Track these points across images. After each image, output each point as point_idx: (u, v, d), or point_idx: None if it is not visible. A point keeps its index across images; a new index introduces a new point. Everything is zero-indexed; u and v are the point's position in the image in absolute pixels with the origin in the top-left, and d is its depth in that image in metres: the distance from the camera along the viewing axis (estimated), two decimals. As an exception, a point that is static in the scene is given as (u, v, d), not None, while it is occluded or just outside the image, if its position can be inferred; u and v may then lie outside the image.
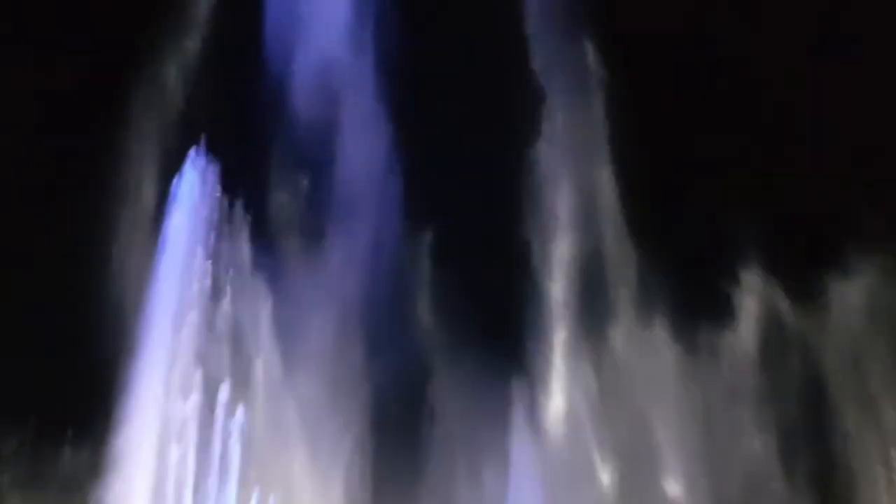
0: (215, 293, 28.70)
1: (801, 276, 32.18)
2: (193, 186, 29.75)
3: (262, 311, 30.13)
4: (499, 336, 31.36)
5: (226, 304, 28.77)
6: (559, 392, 31.82)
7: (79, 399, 27.81)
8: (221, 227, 29.77)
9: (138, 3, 33.81)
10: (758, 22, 35.70)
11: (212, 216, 29.49)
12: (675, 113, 34.67)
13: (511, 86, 35.04)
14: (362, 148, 34.36)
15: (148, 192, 31.41)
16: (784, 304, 32.42)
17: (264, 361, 29.31)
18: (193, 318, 28.09)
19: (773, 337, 32.24)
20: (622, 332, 32.34)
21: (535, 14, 35.51)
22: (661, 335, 32.03)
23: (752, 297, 32.78)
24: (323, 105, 34.23)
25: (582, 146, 34.75)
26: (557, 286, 32.72)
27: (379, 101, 34.89)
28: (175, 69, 33.52)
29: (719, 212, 32.88)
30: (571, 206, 33.64)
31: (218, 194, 29.89)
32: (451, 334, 31.51)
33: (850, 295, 32.20)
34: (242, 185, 31.05)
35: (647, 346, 31.98)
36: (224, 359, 28.20)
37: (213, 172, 30.10)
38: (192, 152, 30.16)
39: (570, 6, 34.88)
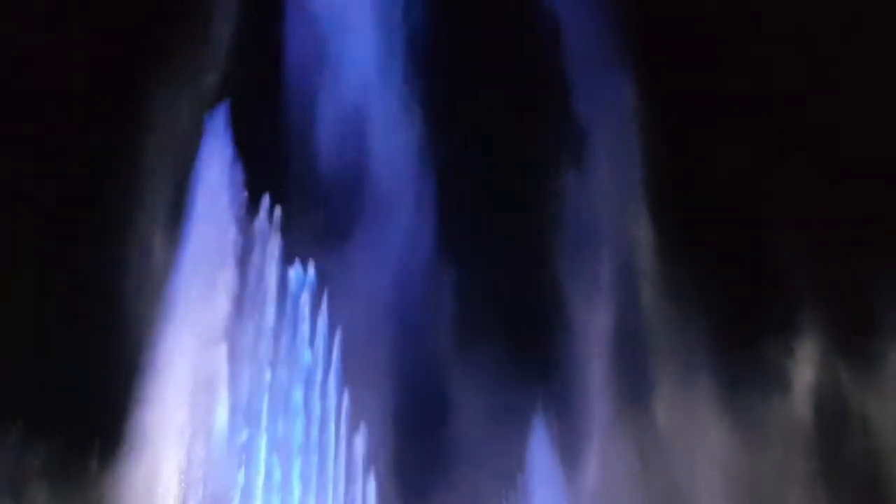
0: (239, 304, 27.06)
1: (860, 342, 29.97)
2: (216, 165, 28.19)
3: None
4: (529, 409, 29.77)
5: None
6: (597, 468, 29.66)
7: (104, 411, 26.92)
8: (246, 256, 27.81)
9: (154, 38, 32.64)
10: (805, 57, 33.57)
11: (240, 212, 27.77)
12: (718, 157, 32.91)
13: (548, 125, 33.71)
14: (392, 184, 33.36)
15: (162, 236, 29.36)
16: (842, 375, 30.32)
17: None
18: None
19: (830, 411, 30.10)
20: (664, 405, 30.33)
21: (573, 51, 34.23)
22: (706, 408, 29.86)
23: (806, 366, 30.68)
24: (350, 139, 33.29)
25: (619, 195, 33.09)
26: (595, 355, 30.58)
27: (408, 133, 33.89)
28: (190, 107, 31.73)
29: (769, 269, 30.95)
30: (609, 266, 31.75)
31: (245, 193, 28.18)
32: (477, 399, 29.92)
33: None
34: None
35: (690, 420, 29.87)
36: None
37: (239, 171, 28.34)
38: (213, 124, 28.62)
39: (610, 43, 33.40)
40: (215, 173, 28.06)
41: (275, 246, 27.40)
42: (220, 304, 26.38)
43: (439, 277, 32.01)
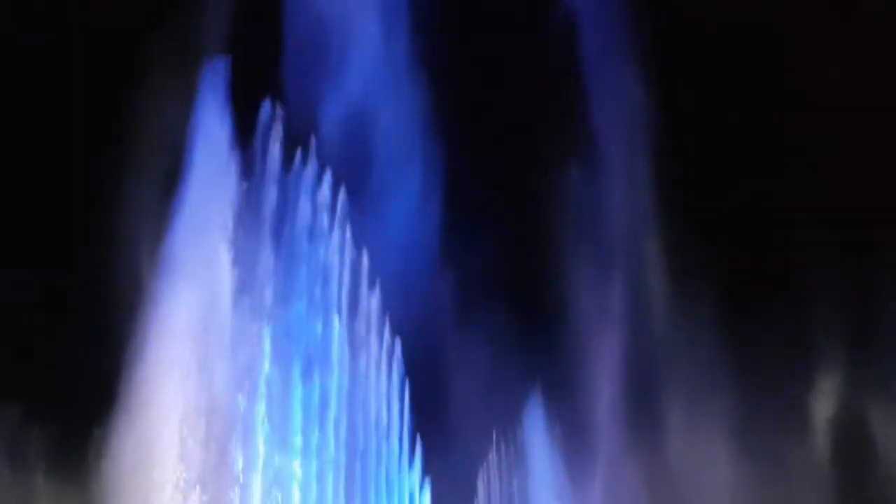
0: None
1: (883, 374, 28.57)
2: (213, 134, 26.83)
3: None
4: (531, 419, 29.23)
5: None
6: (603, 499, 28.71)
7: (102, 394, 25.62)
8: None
9: (143, 39, 30.79)
10: (830, 63, 31.52)
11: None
12: (736, 164, 31.50)
13: (561, 124, 32.13)
14: (397, 181, 32.58)
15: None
16: (864, 408, 29.06)
17: None
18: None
19: (850, 446, 28.84)
20: (675, 443, 28.94)
21: (589, 51, 33.00)
22: (719, 440, 28.53)
23: (826, 398, 29.42)
24: (353, 137, 32.00)
25: (631, 201, 31.79)
26: (603, 388, 29.33)
27: (414, 127, 32.79)
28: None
29: (789, 291, 29.41)
30: (620, 292, 30.34)
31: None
32: (475, 407, 29.22)
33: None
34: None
35: (702, 459, 28.50)
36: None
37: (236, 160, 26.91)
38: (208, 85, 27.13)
39: (626, 45, 32.06)
40: (214, 115, 26.59)
41: (277, 131, 26.65)
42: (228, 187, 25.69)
43: (441, 277, 31.13)
